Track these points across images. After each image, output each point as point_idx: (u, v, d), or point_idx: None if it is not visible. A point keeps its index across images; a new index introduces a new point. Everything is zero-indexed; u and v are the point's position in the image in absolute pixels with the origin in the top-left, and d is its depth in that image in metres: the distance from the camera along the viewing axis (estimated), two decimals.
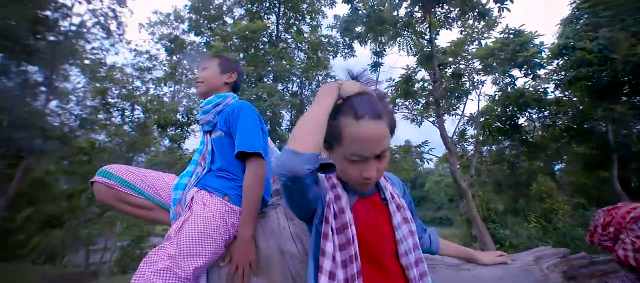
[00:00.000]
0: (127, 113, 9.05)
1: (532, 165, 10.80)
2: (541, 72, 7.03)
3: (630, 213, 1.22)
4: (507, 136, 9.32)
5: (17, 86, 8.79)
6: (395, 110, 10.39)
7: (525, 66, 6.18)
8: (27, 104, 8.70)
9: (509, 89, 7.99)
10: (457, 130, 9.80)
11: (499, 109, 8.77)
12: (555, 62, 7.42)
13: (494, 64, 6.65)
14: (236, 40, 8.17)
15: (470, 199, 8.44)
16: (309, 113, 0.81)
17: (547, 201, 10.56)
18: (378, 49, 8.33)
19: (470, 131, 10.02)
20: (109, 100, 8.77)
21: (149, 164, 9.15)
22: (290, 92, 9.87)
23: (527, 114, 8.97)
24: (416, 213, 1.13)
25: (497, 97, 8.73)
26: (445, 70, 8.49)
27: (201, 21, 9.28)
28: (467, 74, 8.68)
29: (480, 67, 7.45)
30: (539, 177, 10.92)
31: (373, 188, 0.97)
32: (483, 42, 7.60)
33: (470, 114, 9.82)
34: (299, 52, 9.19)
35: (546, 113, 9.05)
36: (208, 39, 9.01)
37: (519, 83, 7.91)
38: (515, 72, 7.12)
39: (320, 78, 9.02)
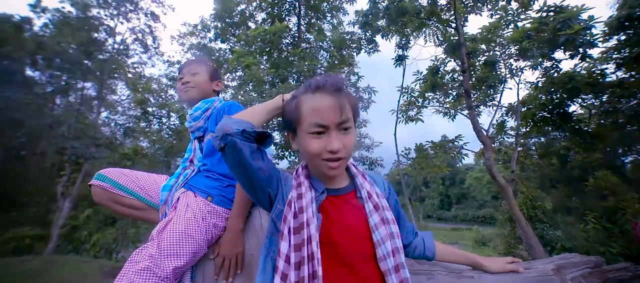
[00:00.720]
0: (164, 120, 9.80)
1: (587, 157, 9.55)
2: (594, 51, 6.14)
3: None
4: (555, 126, 8.35)
5: (75, 101, 9.98)
6: (425, 105, 9.91)
7: (569, 46, 5.45)
8: (84, 116, 9.84)
9: (555, 74, 7.13)
10: (495, 122, 9.05)
11: (544, 97, 7.88)
12: (615, 37, 6.40)
13: (531, 48, 5.96)
14: (260, 44, 8.39)
15: (510, 196, 7.74)
16: (249, 109, 0.91)
17: (609, 198, 9.26)
18: (402, 42, 7.97)
19: (511, 122, 9.18)
20: (148, 109, 9.55)
21: None
22: None
23: (579, 100, 7.94)
24: (405, 216, 1.08)
25: (540, 84, 7.86)
26: (478, 58, 7.86)
27: (226, 28, 9.67)
28: (502, 61, 7.96)
29: (516, 52, 6.76)
30: (597, 171, 9.62)
31: (349, 187, 0.93)
32: (520, 24, 6.89)
33: (509, 104, 9.00)
34: (322, 51, 9.14)
35: (604, 98, 7.92)
36: (232, 45, 9.38)
37: (567, 66, 7.02)
38: (559, 54, 6.32)
39: (344, 75, 8.90)
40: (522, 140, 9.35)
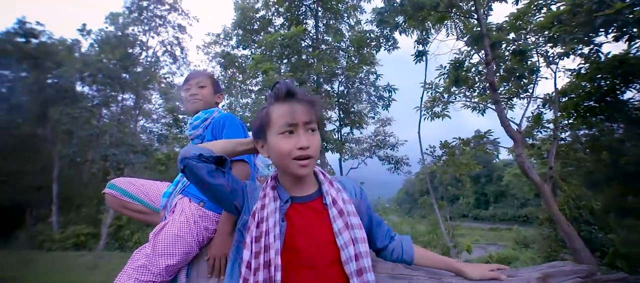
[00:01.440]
0: None
1: None
2: None
3: None
4: (605, 117, 7.49)
5: (116, 112, 10.96)
6: (452, 100, 9.45)
7: (609, 28, 4.90)
8: (124, 126, 10.77)
9: (600, 58, 6.39)
10: (531, 114, 8.36)
11: (589, 85, 7.09)
12: None
13: (562, 33, 5.43)
14: (279, 49, 8.57)
15: (548, 195, 7.14)
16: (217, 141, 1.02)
17: None
18: (422, 37, 7.69)
19: (549, 114, 8.41)
20: (178, 116, 10.20)
21: None
22: (336, 92, 9.87)
23: (636, 86, 7.03)
24: (380, 220, 1.10)
25: (583, 71, 7.08)
26: (506, 48, 7.31)
27: (247, 35, 10.00)
28: (535, 49, 7.34)
29: (547, 39, 6.19)
30: None
31: (315, 194, 0.96)
32: (554, 8, 6.28)
33: (545, 95, 8.27)
34: (341, 51, 9.10)
35: None
36: (253, 51, 9.68)
37: (613, 49, 6.20)
38: (600, 38, 5.66)
39: (362, 74, 8.78)
40: (562, 134, 8.54)
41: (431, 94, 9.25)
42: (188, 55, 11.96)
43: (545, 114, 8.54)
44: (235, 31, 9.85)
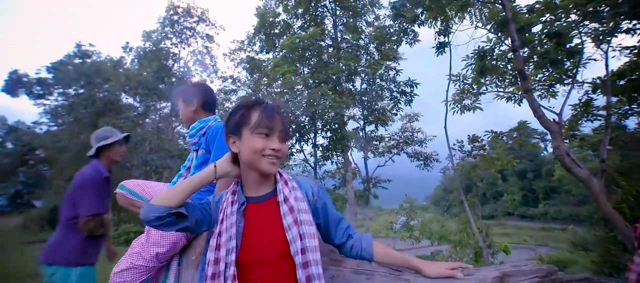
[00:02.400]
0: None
1: None
2: None
3: None
4: None
5: (155, 120, 11.97)
6: (483, 91, 8.82)
7: None
8: (162, 133, 11.73)
9: None
10: (579, 100, 7.50)
11: None
12: None
13: (599, 7, 4.79)
14: (300, 51, 8.70)
15: (598, 192, 6.35)
16: (178, 183, 1.01)
17: None
18: (443, 27, 7.29)
19: (599, 100, 7.45)
20: None
21: None
22: (358, 90, 9.77)
23: None
24: (338, 217, 1.16)
25: None
26: (543, 30, 6.62)
27: (270, 39, 10.29)
28: (576, 28, 6.56)
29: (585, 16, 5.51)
30: None
31: (270, 193, 1.04)
32: None
33: (593, 79, 7.35)
34: (360, 49, 8.97)
35: None
36: (275, 55, 9.94)
37: None
38: None
39: (382, 70, 8.58)
40: (620, 121, 7.55)
41: (459, 86, 8.73)
42: (217, 62, 12.74)
43: (595, 99, 7.60)
44: (258, 36, 10.20)
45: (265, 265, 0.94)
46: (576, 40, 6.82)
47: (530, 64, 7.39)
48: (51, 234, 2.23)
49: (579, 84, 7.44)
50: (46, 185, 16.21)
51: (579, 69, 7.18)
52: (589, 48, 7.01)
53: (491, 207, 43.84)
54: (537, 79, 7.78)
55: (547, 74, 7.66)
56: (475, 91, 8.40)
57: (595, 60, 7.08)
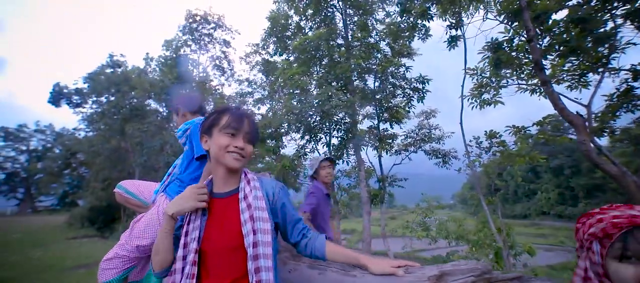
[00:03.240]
0: None
1: None
2: None
3: (592, 227, 0.82)
4: None
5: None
6: (504, 84, 8.37)
7: None
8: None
9: None
10: (616, 89, 6.87)
11: None
12: None
13: None
14: (311, 52, 8.77)
15: (633, 190, 5.85)
16: (158, 244, 1.11)
17: None
18: (453, 21, 7.03)
19: None
20: None
21: (262, 169, 11.07)
22: (371, 88, 9.65)
23: None
24: (295, 218, 1.25)
25: None
26: (569, 15, 6.14)
27: (283, 42, 10.46)
28: (608, 12, 6.01)
29: None
30: None
31: (233, 191, 1.15)
32: None
33: (632, 66, 6.69)
34: (370, 47, 8.85)
35: None
36: (288, 57, 10.08)
37: None
38: None
39: (393, 68, 8.41)
40: None
41: (477, 79, 8.35)
42: (234, 67, 13.20)
43: (638, 88, 6.90)
44: (271, 39, 10.41)
45: (222, 255, 1.05)
46: (610, 25, 6.28)
47: (553, 53, 6.92)
48: (92, 231, 2.57)
49: (614, 72, 6.84)
50: (85, 186, 17.70)
51: (614, 55, 6.59)
52: (627, 32, 6.41)
53: (523, 206, 41.11)
54: (565, 68, 7.25)
55: (577, 62, 7.11)
56: (495, 84, 7.99)
57: (634, 44, 6.46)
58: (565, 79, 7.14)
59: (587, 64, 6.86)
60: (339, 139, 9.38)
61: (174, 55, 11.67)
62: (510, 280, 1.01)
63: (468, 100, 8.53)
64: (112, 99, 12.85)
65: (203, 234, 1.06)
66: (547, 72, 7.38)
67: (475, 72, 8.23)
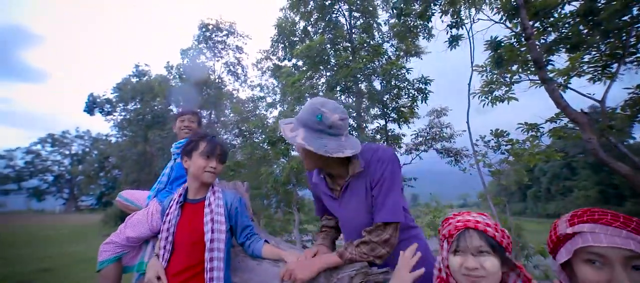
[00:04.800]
0: (255, 136, 11.82)
1: None
2: None
3: (444, 229, 1.03)
4: None
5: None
6: (517, 80, 8.10)
7: None
8: None
9: None
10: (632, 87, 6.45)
11: None
12: None
13: None
14: (317, 57, 8.98)
15: None
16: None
17: None
18: (453, 21, 6.94)
19: None
20: (242, 127, 11.76)
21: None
22: (376, 90, 9.71)
23: None
24: (245, 223, 1.62)
25: None
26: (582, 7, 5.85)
27: (291, 47, 10.75)
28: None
29: None
30: None
31: (203, 198, 1.53)
32: None
33: None
34: (372, 49, 8.91)
35: None
36: (296, 61, 10.36)
37: None
38: None
39: (395, 70, 8.43)
40: None
41: (486, 76, 8.15)
42: (247, 72, 13.74)
43: None
44: (279, 45, 10.75)
45: (187, 246, 1.42)
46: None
47: (561, 48, 6.64)
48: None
49: (636, 62, 6.44)
50: (118, 187, 19.18)
51: (626, 45, 6.22)
52: None
53: (557, 205, 38.43)
54: (586, 60, 6.90)
55: (598, 54, 6.71)
56: (508, 81, 7.76)
57: None
58: (586, 71, 6.79)
59: (609, 53, 6.45)
60: None
61: (191, 64, 12.37)
62: (379, 274, 1.18)
63: (479, 97, 8.35)
64: (137, 106, 13.85)
65: (176, 229, 1.44)
66: (565, 65, 7.09)
67: (484, 69, 8.05)
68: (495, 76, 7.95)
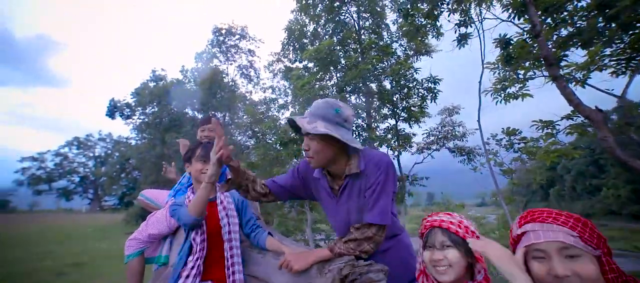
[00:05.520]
0: (267, 137, 12.10)
1: None
2: None
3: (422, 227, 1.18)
4: None
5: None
6: (531, 76, 7.92)
7: None
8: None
9: None
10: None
11: None
12: None
13: None
14: (327, 59, 9.11)
15: None
16: (200, 194, 1.51)
17: None
18: (461, 20, 6.90)
19: None
20: (255, 129, 12.05)
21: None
22: (386, 90, 9.74)
23: None
24: (249, 216, 1.87)
25: None
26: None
27: (301, 49, 10.93)
28: None
29: None
30: None
31: (215, 197, 1.76)
32: None
33: None
34: (380, 50, 8.95)
35: None
36: (306, 63, 10.52)
37: None
38: None
39: (403, 70, 8.44)
40: None
41: (498, 73, 8.03)
42: (260, 74, 14.05)
43: None
44: (291, 48, 10.96)
45: (213, 237, 1.66)
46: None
47: (576, 45, 6.46)
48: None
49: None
50: (138, 188, 20.03)
51: None
52: None
53: (585, 204, 36.51)
54: (608, 53, 6.67)
55: (621, 45, 6.46)
56: (521, 78, 7.63)
57: None
58: (608, 65, 6.55)
59: (632, 46, 6.20)
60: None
61: (204, 67, 12.77)
62: (364, 266, 1.25)
63: (491, 95, 8.23)
64: (155, 110, 14.44)
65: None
66: (583, 60, 6.90)
67: (496, 66, 7.93)
68: (508, 73, 7.82)
